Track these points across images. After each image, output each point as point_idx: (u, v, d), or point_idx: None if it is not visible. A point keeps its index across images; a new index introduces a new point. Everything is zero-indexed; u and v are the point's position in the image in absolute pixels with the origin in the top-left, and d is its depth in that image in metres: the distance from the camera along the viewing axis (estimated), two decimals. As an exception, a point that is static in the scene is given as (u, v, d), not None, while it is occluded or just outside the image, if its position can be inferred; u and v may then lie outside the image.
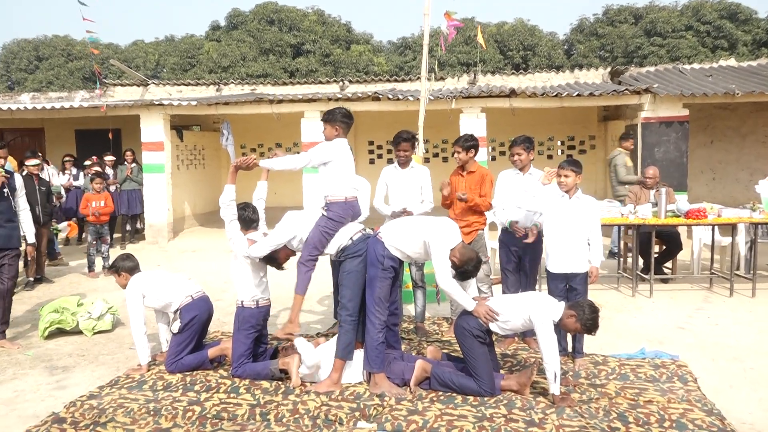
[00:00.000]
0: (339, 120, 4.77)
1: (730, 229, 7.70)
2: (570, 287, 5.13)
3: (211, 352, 5.11)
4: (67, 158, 12.16)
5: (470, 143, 5.77)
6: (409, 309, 6.55)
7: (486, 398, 4.37)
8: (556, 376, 4.24)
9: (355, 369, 4.75)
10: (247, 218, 4.98)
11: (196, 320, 5.05)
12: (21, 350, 5.81)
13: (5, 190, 5.96)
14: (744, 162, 14.46)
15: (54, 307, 6.25)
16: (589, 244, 5.14)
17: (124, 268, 5.23)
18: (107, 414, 4.23)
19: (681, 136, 11.07)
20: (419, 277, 5.99)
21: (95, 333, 6.25)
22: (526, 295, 4.87)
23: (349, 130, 4.88)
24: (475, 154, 5.83)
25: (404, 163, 5.91)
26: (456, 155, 5.85)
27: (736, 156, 14.54)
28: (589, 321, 4.31)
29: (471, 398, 4.38)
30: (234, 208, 4.84)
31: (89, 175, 10.41)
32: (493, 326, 4.46)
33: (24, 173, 8.70)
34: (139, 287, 5.08)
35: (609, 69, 15.69)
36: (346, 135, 4.85)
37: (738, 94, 10.62)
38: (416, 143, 5.96)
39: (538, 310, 4.34)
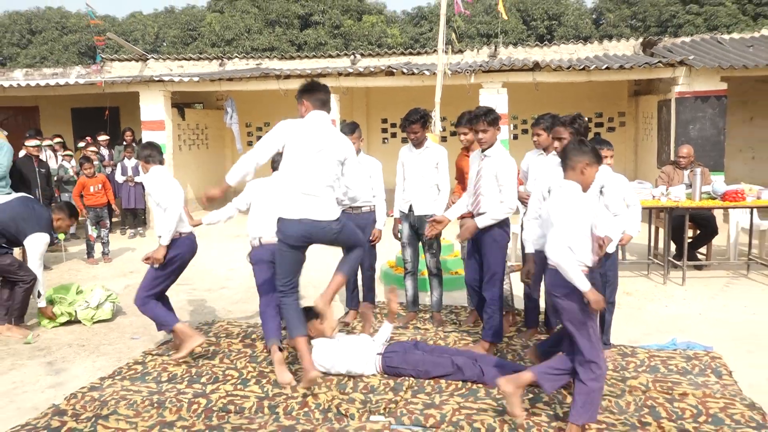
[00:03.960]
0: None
1: (771, 212, 7.65)
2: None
3: (179, 327, 5.18)
4: (57, 140, 11.82)
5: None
6: (425, 298, 6.58)
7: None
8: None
9: (367, 360, 4.80)
10: None
11: (178, 259, 5.21)
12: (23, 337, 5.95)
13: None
14: (787, 140, 14.29)
15: (50, 296, 6.36)
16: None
17: (141, 156, 5.41)
18: (109, 406, 4.31)
19: (718, 112, 10.96)
20: (434, 265, 6.01)
21: (95, 322, 6.35)
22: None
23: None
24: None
25: (419, 143, 5.90)
26: (462, 137, 5.84)
27: (778, 133, 14.36)
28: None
29: (493, 391, 4.41)
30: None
31: (80, 159, 10.48)
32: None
33: (23, 154, 8.82)
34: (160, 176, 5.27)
35: (640, 40, 15.50)
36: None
37: (781, 66, 10.49)
38: (429, 121, 5.91)
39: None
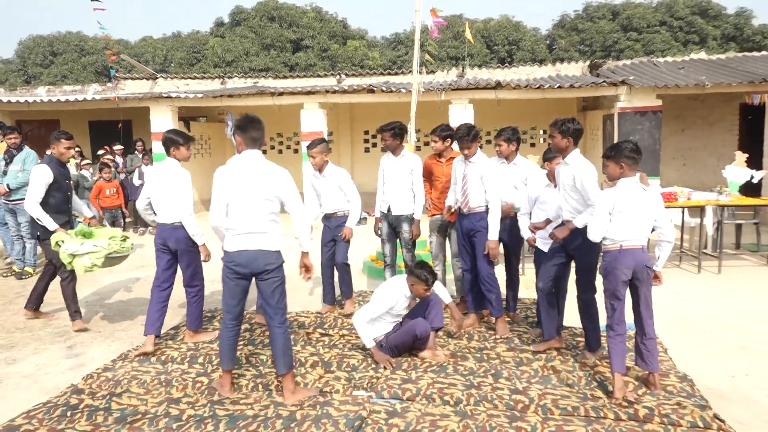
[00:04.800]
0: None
1: (699, 211, 7.74)
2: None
3: (189, 334, 5.20)
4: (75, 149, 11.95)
5: (446, 133, 5.74)
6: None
7: (475, 369, 4.41)
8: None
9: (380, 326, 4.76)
10: None
11: (155, 246, 5.08)
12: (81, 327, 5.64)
13: (68, 180, 5.76)
14: (712, 149, 14.50)
15: (83, 230, 5.53)
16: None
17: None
18: (122, 385, 4.25)
19: (654, 124, 11.07)
20: (410, 258, 5.99)
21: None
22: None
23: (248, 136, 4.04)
24: (450, 144, 5.77)
25: (395, 150, 5.87)
26: (432, 144, 5.83)
27: (705, 143, 14.56)
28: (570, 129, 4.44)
29: (461, 368, 4.42)
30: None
31: (98, 165, 10.37)
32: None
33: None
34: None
35: (588, 62, 15.63)
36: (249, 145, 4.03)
37: (707, 85, 10.61)
38: (404, 133, 5.89)
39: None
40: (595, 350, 4.60)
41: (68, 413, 3.83)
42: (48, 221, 5.46)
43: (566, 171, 4.49)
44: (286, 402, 3.93)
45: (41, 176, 5.48)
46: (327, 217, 5.90)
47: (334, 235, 5.83)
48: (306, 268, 4.08)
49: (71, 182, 5.86)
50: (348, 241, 5.85)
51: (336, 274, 6.00)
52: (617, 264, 4.00)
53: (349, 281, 5.98)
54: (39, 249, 7.96)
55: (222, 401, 3.96)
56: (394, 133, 5.77)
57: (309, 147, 5.72)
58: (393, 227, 5.92)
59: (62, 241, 5.32)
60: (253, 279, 4.01)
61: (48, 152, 5.77)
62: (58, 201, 5.60)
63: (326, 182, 5.79)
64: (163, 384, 4.25)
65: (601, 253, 4.11)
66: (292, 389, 3.99)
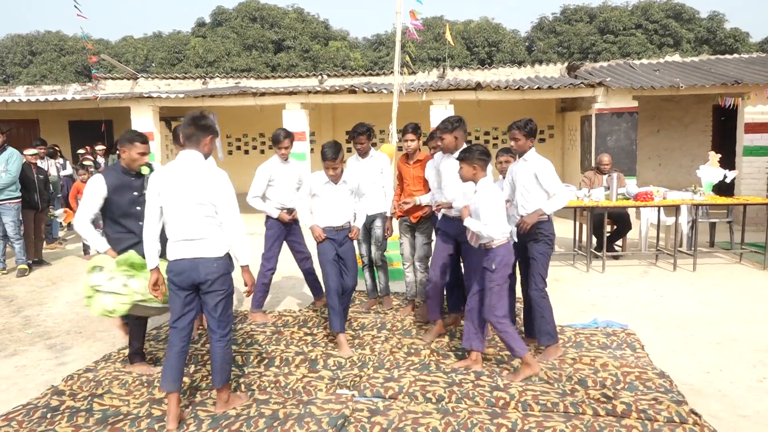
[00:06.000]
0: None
1: (674, 210, 7.84)
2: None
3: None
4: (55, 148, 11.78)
5: (420, 131, 5.66)
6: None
7: (456, 367, 4.42)
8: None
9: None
10: None
11: None
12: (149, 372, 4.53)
13: (137, 193, 4.37)
14: (687, 149, 14.72)
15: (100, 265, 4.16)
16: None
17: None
18: (103, 386, 4.19)
19: (631, 125, 11.20)
20: (379, 257, 5.95)
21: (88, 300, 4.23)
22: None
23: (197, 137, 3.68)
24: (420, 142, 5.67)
25: (363, 153, 5.84)
26: (407, 143, 5.60)
27: (680, 144, 14.78)
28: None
29: (443, 366, 4.43)
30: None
31: (76, 166, 10.27)
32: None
33: (23, 162, 8.55)
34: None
35: (566, 64, 15.75)
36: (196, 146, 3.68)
37: (682, 87, 10.76)
38: (372, 134, 5.84)
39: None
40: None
41: (49, 415, 3.77)
42: (96, 242, 4.24)
43: (526, 168, 4.67)
44: (217, 411, 3.77)
45: (92, 189, 4.28)
46: (335, 230, 4.97)
47: (339, 251, 5.00)
48: (245, 282, 3.75)
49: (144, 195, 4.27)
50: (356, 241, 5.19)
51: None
52: (511, 255, 4.25)
53: (347, 312, 5.16)
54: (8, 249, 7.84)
55: (204, 401, 3.93)
56: (369, 136, 5.74)
57: (329, 157, 4.78)
58: (368, 228, 5.89)
59: (100, 267, 4.12)
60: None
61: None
62: (117, 217, 4.34)
63: (342, 189, 4.98)
64: (145, 385, 4.20)
65: (493, 248, 4.18)
66: (226, 399, 3.83)
